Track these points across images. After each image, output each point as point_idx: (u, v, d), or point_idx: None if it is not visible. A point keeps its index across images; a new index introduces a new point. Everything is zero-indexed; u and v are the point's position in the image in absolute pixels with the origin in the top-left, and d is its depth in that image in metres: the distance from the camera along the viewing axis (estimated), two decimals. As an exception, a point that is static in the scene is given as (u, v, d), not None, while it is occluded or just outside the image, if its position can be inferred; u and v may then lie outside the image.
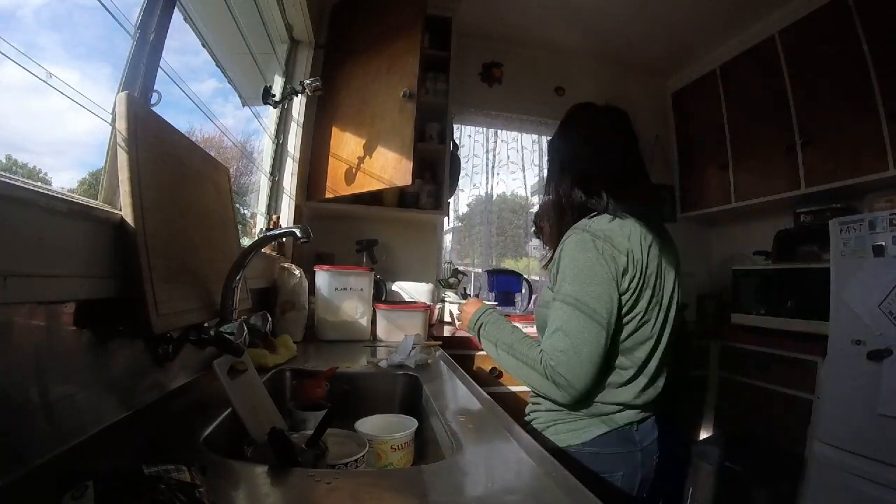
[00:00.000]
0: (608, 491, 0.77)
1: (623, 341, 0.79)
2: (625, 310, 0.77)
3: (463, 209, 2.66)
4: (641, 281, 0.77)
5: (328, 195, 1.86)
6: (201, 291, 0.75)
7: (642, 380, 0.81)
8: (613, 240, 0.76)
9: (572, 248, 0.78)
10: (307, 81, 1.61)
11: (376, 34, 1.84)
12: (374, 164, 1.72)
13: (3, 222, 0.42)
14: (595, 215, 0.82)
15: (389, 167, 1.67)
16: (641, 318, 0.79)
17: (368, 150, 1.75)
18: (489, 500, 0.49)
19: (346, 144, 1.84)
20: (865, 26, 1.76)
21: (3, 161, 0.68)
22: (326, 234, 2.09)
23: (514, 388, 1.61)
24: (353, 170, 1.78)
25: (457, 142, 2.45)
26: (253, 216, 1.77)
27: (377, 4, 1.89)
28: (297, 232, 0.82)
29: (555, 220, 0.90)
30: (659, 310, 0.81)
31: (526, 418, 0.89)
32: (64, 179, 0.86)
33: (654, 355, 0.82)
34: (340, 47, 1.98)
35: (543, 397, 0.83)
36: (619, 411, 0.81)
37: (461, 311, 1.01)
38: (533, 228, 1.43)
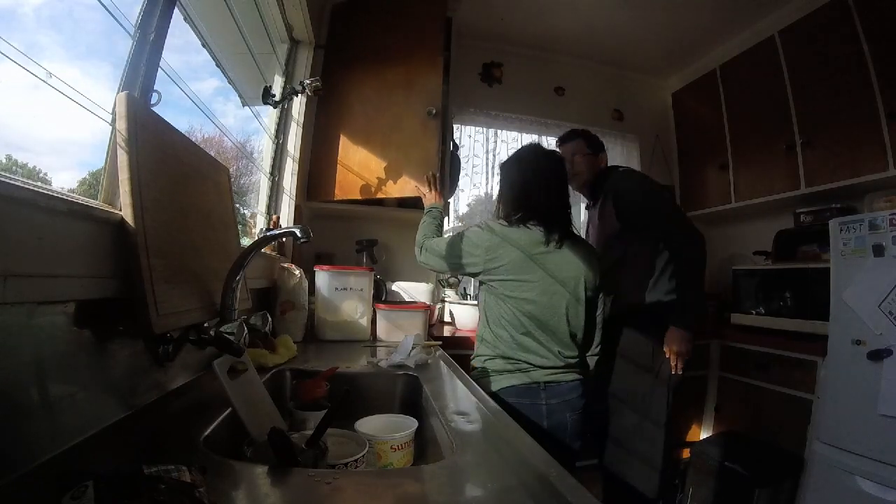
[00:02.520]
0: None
1: (506, 305, 1.17)
2: (485, 275, 1.20)
3: (463, 209, 2.66)
4: (506, 260, 1.16)
5: (338, 197, 1.88)
6: (201, 291, 0.75)
7: (541, 348, 1.15)
8: (494, 232, 1.19)
9: (473, 226, 1.27)
10: (307, 81, 1.61)
11: (389, 44, 1.85)
12: (394, 177, 1.78)
13: (3, 222, 0.42)
14: (500, 218, 1.26)
15: (412, 183, 1.74)
16: (511, 287, 1.16)
17: (387, 164, 1.81)
18: (489, 500, 0.49)
19: (355, 152, 1.86)
20: (865, 26, 1.76)
21: (3, 161, 0.68)
22: (326, 234, 2.09)
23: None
24: (373, 189, 1.83)
25: (457, 142, 2.44)
26: (253, 216, 1.77)
27: (381, 7, 1.89)
28: (297, 232, 0.82)
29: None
30: (542, 294, 1.15)
31: (471, 374, 1.21)
32: (64, 179, 0.86)
33: (546, 332, 1.15)
34: (344, 49, 1.98)
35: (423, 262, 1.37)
36: (527, 371, 1.14)
37: (432, 194, 1.57)
38: None
